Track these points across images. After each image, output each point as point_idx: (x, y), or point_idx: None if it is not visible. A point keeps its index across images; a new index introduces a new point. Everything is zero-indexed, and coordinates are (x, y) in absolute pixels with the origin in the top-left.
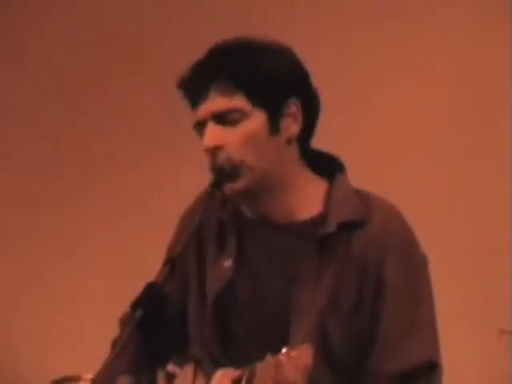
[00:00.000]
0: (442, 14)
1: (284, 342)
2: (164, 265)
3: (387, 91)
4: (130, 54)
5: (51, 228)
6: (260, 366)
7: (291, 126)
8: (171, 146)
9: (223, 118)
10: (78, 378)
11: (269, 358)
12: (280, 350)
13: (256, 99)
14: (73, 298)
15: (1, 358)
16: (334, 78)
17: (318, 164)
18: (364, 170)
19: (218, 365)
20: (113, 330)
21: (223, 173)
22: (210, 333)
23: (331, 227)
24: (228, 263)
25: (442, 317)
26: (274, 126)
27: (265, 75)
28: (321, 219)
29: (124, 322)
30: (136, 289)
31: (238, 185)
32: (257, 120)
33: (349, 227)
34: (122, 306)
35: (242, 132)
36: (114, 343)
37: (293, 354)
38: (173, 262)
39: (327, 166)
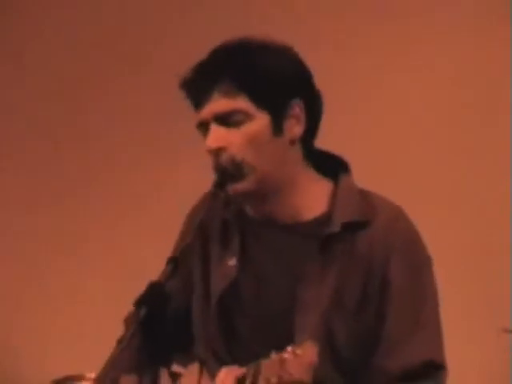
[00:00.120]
0: (442, 13)
1: (289, 340)
2: (167, 264)
3: (387, 91)
4: (129, 54)
5: (51, 228)
6: (265, 364)
7: (294, 127)
8: (171, 146)
9: (226, 120)
10: (80, 378)
11: (274, 355)
12: (284, 349)
13: (259, 100)
14: (73, 298)
15: (1, 358)
16: (334, 78)
17: (323, 164)
18: (364, 170)
19: (222, 364)
20: (113, 330)
21: (226, 173)
22: (214, 332)
23: (335, 227)
24: (232, 262)
25: (442, 316)
26: (277, 128)
27: (268, 76)
28: (325, 219)
29: (128, 321)
30: (136, 289)
31: (242, 185)
32: (260, 121)
33: (353, 227)
34: (122, 306)
35: (246, 133)
36: (119, 342)
37: (298, 351)
38: (176, 261)
39: (332, 166)
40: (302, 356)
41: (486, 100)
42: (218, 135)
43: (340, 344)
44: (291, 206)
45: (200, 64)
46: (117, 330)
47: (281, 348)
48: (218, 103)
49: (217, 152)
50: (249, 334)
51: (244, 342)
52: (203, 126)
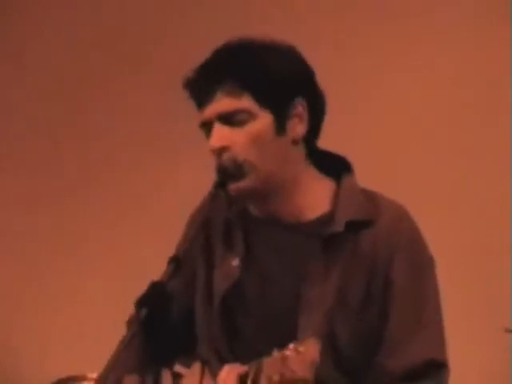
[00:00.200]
0: (442, 13)
1: (292, 339)
2: (169, 264)
3: (387, 91)
4: (130, 53)
5: (51, 228)
6: (267, 362)
7: (297, 127)
8: (171, 146)
9: (230, 119)
10: (82, 378)
11: (275, 353)
12: (286, 346)
13: (263, 99)
14: (73, 298)
15: (1, 358)
16: (333, 78)
17: (325, 164)
18: (364, 170)
19: (225, 363)
20: (113, 330)
21: (227, 173)
22: (217, 331)
23: (339, 226)
24: (235, 262)
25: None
26: (280, 127)
27: (271, 75)
28: (328, 218)
29: (130, 322)
30: (136, 289)
31: (243, 184)
32: (263, 121)
33: (356, 226)
34: (122, 306)
35: (249, 133)
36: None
37: (300, 348)
38: (177, 261)
39: (334, 167)
40: (304, 353)
41: (486, 100)
42: (221, 134)
43: (342, 343)
44: (294, 205)
45: (203, 64)
46: (117, 330)
47: (284, 346)
48: (222, 103)
49: (220, 151)
50: (252, 333)
51: (247, 342)
52: (206, 126)
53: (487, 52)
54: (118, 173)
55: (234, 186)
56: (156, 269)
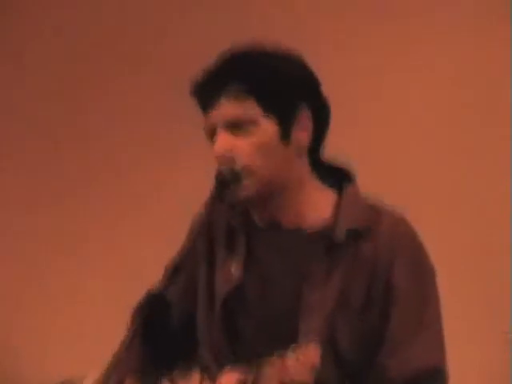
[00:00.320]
0: (442, 13)
1: (293, 341)
2: (166, 270)
3: (387, 91)
4: (130, 54)
5: (51, 228)
6: (266, 366)
7: (301, 136)
8: (171, 146)
9: (234, 125)
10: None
11: (275, 358)
12: (286, 350)
13: (267, 107)
14: (73, 298)
15: (1, 358)
16: (333, 78)
17: (329, 175)
18: (363, 170)
19: (224, 368)
20: (113, 330)
21: (225, 180)
22: (218, 334)
23: (340, 234)
24: (237, 265)
25: (442, 319)
26: (284, 135)
27: (277, 80)
28: (330, 226)
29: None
30: (136, 289)
31: (241, 193)
32: (268, 128)
33: (357, 234)
34: (122, 306)
35: (253, 140)
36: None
37: (300, 353)
38: (175, 267)
39: (337, 178)
40: (304, 357)
41: (486, 100)
42: (225, 141)
43: (343, 346)
44: (296, 213)
45: (208, 69)
46: (117, 330)
47: (285, 348)
48: (227, 108)
49: (224, 158)
50: (253, 334)
51: (248, 343)
52: (211, 132)
53: (487, 52)
54: (118, 173)
55: (233, 194)
56: (156, 269)
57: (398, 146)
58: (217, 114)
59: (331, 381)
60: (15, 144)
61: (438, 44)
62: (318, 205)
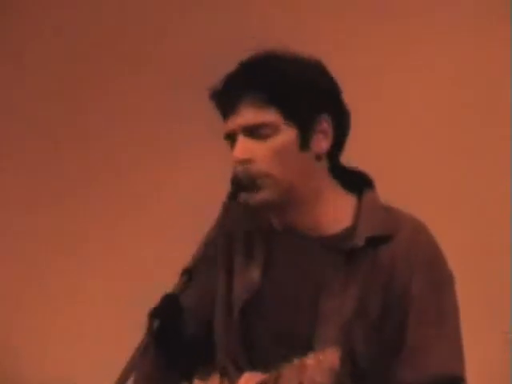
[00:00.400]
0: (442, 13)
1: (309, 349)
2: (181, 275)
3: (387, 91)
4: (130, 54)
5: (51, 228)
6: (286, 370)
7: (321, 143)
8: (171, 146)
9: (254, 132)
10: None
11: (295, 361)
12: (305, 356)
13: (288, 114)
14: (73, 298)
15: (1, 358)
16: None
17: (348, 180)
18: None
19: (242, 372)
20: (113, 330)
21: (241, 184)
22: (235, 341)
23: (359, 241)
24: (256, 273)
25: None
26: (304, 142)
27: (299, 89)
28: (349, 233)
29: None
30: (136, 289)
31: (259, 196)
32: (287, 135)
33: (376, 241)
34: (122, 306)
35: (272, 146)
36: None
37: (320, 356)
38: (189, 273)
39: (356, 182)
40: (323, 361)
41: (485, 100)
42: (245, 147)
43: (360, 355)
44: (315, 219)
45: (230, 75)
46: (117, 330)
47: (301, 355)
48: (247, 115)
49: (243, 163)
50: (270, 342)
51: (265, 351)
52: (231, 137)
53: (487, 52)
54: (117, 173)
55: (248, 198)
56: (156, 269)
57: (398, 146)
58: (237, 120)
59: None
60: (15, 144)
61: (438, 44)
62: (337, 210)
